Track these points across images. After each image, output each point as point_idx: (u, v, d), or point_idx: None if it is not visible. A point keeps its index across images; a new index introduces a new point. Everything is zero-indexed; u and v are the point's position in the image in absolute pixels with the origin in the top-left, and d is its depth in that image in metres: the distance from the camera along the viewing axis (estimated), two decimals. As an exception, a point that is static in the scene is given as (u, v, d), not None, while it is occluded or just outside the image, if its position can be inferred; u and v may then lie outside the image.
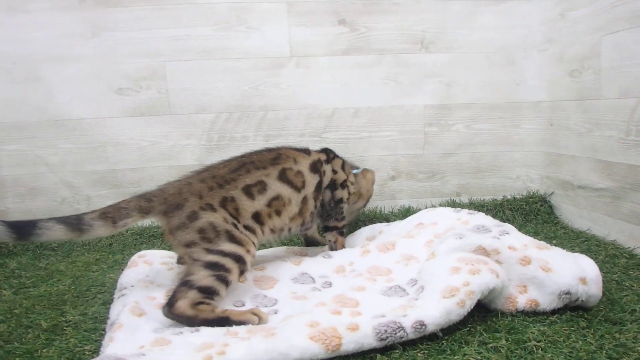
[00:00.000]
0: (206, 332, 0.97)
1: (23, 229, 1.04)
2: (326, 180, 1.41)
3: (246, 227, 1.19)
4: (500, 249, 1.12)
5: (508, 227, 1.27)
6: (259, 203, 1.22)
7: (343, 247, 1.45)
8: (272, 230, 1.27)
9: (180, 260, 1.35)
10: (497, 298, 1.05)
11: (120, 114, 1.76)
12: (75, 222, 1.07)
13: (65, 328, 1.08)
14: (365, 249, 1.32)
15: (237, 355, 0.85)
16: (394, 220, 1.74)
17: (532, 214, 1.76)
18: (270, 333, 0.91)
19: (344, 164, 1.47)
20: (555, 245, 1.47)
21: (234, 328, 0.97)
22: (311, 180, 1.35)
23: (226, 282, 1.06)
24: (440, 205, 1.85)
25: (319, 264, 1.28)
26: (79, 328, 1.08)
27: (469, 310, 0.98)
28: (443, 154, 1.86)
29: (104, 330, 1.07)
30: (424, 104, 1.82)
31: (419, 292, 1.07)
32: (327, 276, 1.23)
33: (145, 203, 1.15)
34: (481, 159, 1.87)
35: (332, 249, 1.45)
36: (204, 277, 1.05)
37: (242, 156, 1.31)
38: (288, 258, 1.35)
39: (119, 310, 1.07)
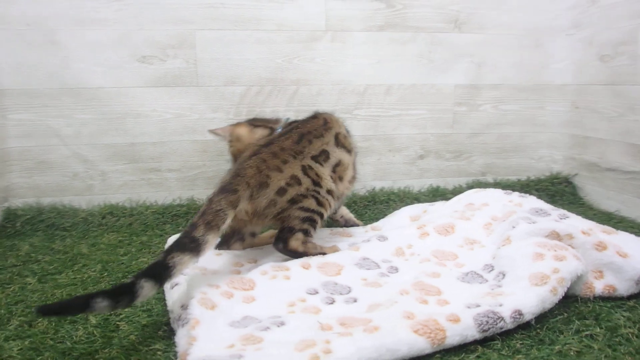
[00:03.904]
0: (295, 324, 0.91)
1: (160, 275, 0.92)
2: None
3: (328, 192, 1.24)
4: (573, 234, 1.11)
5: (564, 210, 1.28)
6: (328, 170, 1.27)
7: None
8: (338, 197, 1.31)
9: (221, 246, 1.29)
10: (576, 284, 1.04)
11: (143, 83, 1.63)
12: (194, 246, 0.98)
13: (118, 323, 0.98)
14: (423, 230, 1.29)
15: (346, 354, 0.80)
16: (424, 199, 1.74)
17: (558, 195, 1.81)
18: (372, 327, 0.86)
19: None
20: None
21: (327, 322, 0.91)
22: (353, 145, 1.39)
23: (315, 228, 1.23)
24: (467, 184, 1.86)
25: (376, 247, 1.23)
26: (134, 323, 0.98)
27: (561, 297, 0.97)
28: (471, 134, 1.87)
29: (165, 324, 0.98)
30: (455, 83, 1.82)
31: (499, 278, 1.06)
32: (390, 260, 1.19)
33: (233, 196, 1.10)
34: (506, 139, 1.89)
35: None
36: (301, 224, 1.19)
37: (295, 127, 1.29)
38: (339, 242, 1.33)
39: (181, 302, 0.98)
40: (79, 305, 0.84)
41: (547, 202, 1.75)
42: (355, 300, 1.02)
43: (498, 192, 1.44)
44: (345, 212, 1.53)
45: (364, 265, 1.16)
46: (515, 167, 1.92)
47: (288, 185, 1.17)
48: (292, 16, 1.67)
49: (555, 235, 1.12)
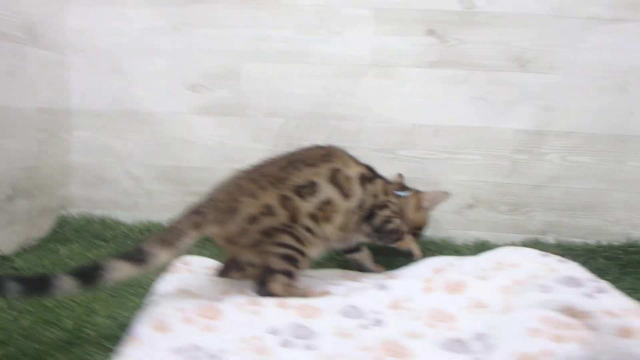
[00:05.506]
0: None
1: (89, 276, 0.95)
2: (367, 202, 1.30)
3: (305, 228, 1.17)
4: (593, 313, 0.93)
5: (605, 284, 1.07)
6: (311, 205, 1.18)
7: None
8: (324, 238, 1.22)
9: (223, 274, 1.26)
10: None
11: (191, 111, 1.71)
12: (138, 256, 1.01)
13: (88, 331, 1.01)
14: (429, 285, 1.16)
15: None
16: (467, 253, 1.57)
17: (632, 266, 1.51)
18: None
19: (385, 186, 1.36)
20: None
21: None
22: (358, 193, 1.27)
23: (299, 268, 1.16)
24: (523, 243, 1.64)
25: (372, 296, 1.13)
26: (101, 333, 1.00)
27: None
28: (531, 186, 1.66)
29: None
30: (516, 128, 1.63)
31: (487, 351, 0.91)
32: (379, 312, 1.08)
33: (197, 217, 1.11)
34: (576, 196, 1.65)
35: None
36: (281, 264, 1.12)
37: (290, 153, 1.27)
38: (341, 285, 1.24)
39: (141, 320, 1.00)
40: None
41: (616, 274, 1.50)
42: (308, 347, 0.95)
43: (533, 253, 1.25)
44: (361, 255, 1.43)
45: (347, 313, 1.07)
46: (584, 228, 1.66)
47: (261, 214, 1.12)
48: (337, 50, 1.64)
49: (569, 312, 0.94)
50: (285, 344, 0.95)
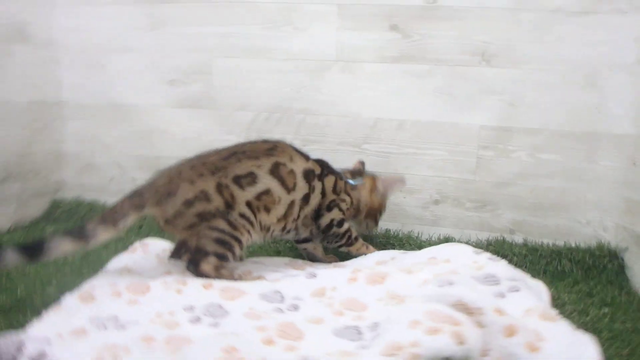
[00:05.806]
0: (135, 329, 0.94)
1: (32, 251, 1.06)
2: (314, 199, 1.33)
3: (241, 215, 1.21)
4: (484, 310, 0.93)
5: (528, 284, 1.07)
6: (249, 194, 1.23)
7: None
8: (261, 227, 1.26)
9: (174, 255, 1.33)
10: None
11: (169, 104, 1.81)
12: (79, 234, 1.11)
13: (34, 299, 1.11)
14: (354, 276, 1.18)
15: None
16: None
17: (596, 270, 1.44)
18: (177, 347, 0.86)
19: (336, 182, 1.38)
20: (606, 315, 1.18)
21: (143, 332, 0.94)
22: (302, 187, 1.30)
23: (233, 252, 1.20)
24: (488, 240, 1.61)
25: (299, 283, 1.17)
26: (45, 302, 1.08)
27: None
28: (498, 183, 1.62)
29: None
30: (481, 123, 1.60)
31: (374, 339, 0.92)
32: (301, 298, 1.11)
33: (137, 199, 1.18)
34: (545, 195, 1.59)
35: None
36: (215, 247, 1.18)
37: (236, 145, 1.33)
38: (278, 273, 1.27)
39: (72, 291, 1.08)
40: None
41: (579, 276, 1.45)
42: (215, 325, 1.00)
43: (467, 250, 1.25)
44: (311, 245, 1.46)
45: (268, 297, 1.11)
46: (554, 228, 1.59)
47: (196, 199, 1.18)
48: (301, 46, 1.68)
49: (462, 307, 0.94)
50: (195, 320, 1.01)
